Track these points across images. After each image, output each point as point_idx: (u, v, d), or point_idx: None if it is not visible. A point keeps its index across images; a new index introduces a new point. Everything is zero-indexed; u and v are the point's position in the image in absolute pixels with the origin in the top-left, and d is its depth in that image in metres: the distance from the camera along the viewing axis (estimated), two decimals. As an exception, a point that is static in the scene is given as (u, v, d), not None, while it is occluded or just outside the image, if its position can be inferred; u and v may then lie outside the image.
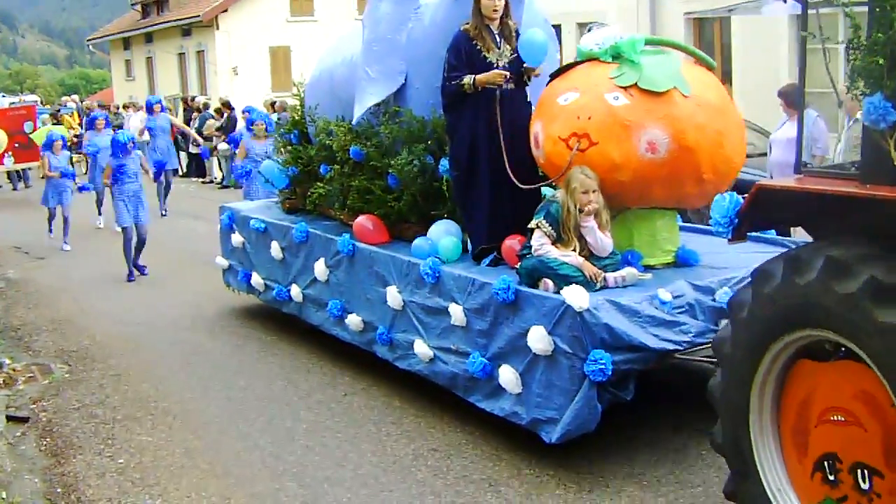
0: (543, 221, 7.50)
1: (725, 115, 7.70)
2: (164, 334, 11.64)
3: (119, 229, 15.16)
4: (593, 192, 7.31)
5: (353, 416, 8.56)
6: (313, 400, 9.00)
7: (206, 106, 31.15)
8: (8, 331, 12.32)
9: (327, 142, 9.95)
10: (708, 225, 5.94)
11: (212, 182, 28.63)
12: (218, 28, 42.10)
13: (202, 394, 9.39)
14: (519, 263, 7.49)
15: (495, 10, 8.11)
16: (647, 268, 7.70)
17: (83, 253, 17.59)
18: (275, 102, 26.64)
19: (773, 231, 8.25)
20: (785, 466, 5.31)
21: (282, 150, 11.63)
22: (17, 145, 24.97)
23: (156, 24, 47.47)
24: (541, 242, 7.42)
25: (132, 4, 53.56)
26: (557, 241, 7.42)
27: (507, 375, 7.29)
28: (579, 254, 7.35)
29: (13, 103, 30.63)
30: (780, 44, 19.79)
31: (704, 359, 7.33)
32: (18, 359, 10.93)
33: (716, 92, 7.78)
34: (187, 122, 29.94)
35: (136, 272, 14.87)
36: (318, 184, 10.24)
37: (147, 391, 9.54)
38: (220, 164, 27.98)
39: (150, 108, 22.67)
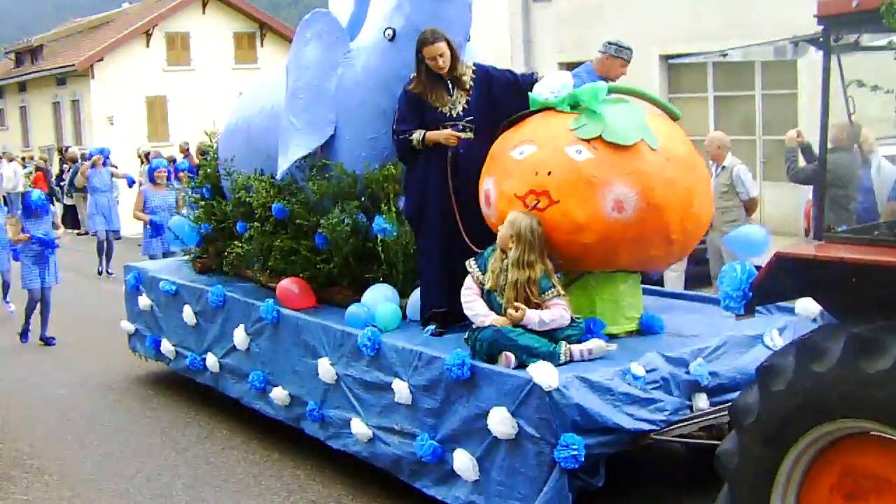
0: (473, 263, 6.91)
1: (694, 171, 7.08)
2: (38, 391, 11.29)
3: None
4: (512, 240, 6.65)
5: (231, 469, 8.42)
6: (191, 454, 8.85)
7: (84, 157, 30.07)
8: None
9: (246, 198, 9.11)
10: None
11: (87, 234, 27.36)
12: (93, 77, 41.88)
13: (78, 450, 9.14)
14: (470, 333, 6.74)
15: (441, 67, 7.37)
16: (610, 337, 7.01)
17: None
18: (148, 153, 25.79)
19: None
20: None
21: (182, 202, 10.73)
22: None
23: (29, 73, 47.00)
24: (466, 295, 6.84)
25: (5, 52, 53.20)
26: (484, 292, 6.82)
27: (462, 460, 6.52)
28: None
29: None
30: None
31: (678, 439, 6.62)
32: None
33: (684, 145, 7.14)
34: (61, 172, 29.29)
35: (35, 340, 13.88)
36: (236, 243, 9.37)
37: (22, 449, 9.27)
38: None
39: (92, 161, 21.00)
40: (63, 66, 43.01)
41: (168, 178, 15.24)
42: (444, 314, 7.47)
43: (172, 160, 22.94)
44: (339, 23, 8.58)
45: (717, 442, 6.68)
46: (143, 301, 10.83)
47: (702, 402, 6.63)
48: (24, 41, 51.22)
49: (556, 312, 6.60)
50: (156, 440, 9.29)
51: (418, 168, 7.53)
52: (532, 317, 6.54)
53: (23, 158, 35.90)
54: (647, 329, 7.30)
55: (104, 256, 20.18)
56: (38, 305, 13.74)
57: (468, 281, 6.88)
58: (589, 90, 7.03)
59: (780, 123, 16.86)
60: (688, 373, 6.61)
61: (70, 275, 14.76)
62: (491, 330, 6.52)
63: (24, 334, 13.88)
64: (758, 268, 4.91)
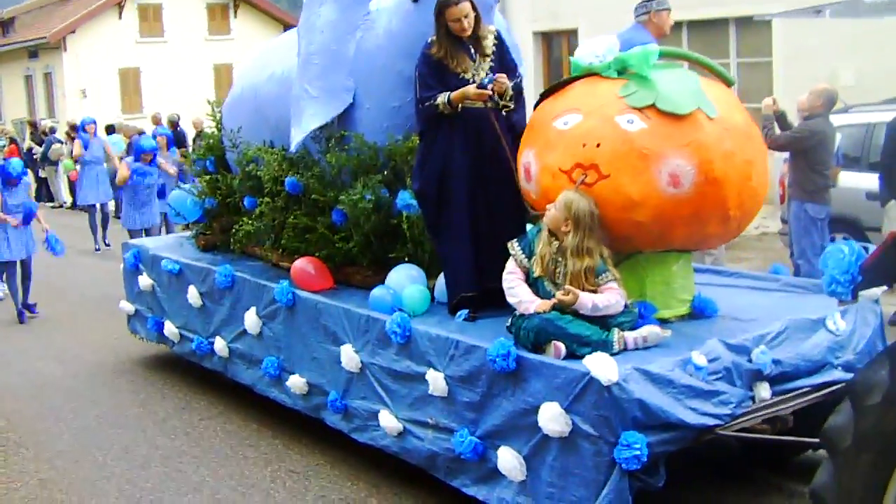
0: (516, 245, 6.33)
1: (752, 141, 6.49)
2: (14, 366, 11.24)
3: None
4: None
5: (209, 440, 8.45)
6: (168, 426, 8.87)
7: (53, 129, 29.92)
8: None
9: (256, 171, 8.50)
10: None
11: (62, 206, 27.93)
12: (66, 50, 41.33)
13: (54, 423, 9.13)
14: (514, 320, 6.17)
15: (463, 30, 6.79)
16: (662, 321, 6.45)
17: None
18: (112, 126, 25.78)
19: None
20: None
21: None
22: None
23: (1, 46, 45.98)
24: (509, 280, 6.27)
25: None
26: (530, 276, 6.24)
27: (508, 459, 5.97)
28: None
29: None
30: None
31: (743, 434, 6.09)
32: None
33: (741, 114, 6.55)
34: (31, 146, 28.97)
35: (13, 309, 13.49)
36: (245, 219, 8.77)
37: None
38: (70, 186, 26.89)
39: (83, 131, 20.02)
40: (35, 39, 42.36)
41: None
42: (473, 298, 6.91)
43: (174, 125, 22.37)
44: (357, -19, 7.95)
45: (784, 438, 6.25)
46: (144, 280, 10.23)
47: (764, 392, 6.08)
48: (-6, 14, 50.45)
49: (612, 297, 6.04)
50: (133, 412, 9.28)
51: (439, 141, 6.93)
52: (585, 301, 5.97)
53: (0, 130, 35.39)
54: (699, 312, 6.74)
55: (100, 228, 19.71)
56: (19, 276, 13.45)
57: (511, 264, 6.30)
58: (639, 54, 6.43)
59: (756, 92, 16.39)
60: (749, 361, 6.05)
61: (43, 247, 14.30)
62: (538, 317, 5.95)
63: (21, 314, 13.46)
64: (865, 249, 4.36)
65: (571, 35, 21.82)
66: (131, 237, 14.15)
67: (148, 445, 8.36)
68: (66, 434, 8.80)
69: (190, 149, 17.70)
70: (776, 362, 6.13)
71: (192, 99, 38.13)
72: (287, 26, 44.16)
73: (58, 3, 46.47)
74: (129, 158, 14.92)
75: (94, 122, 20.39)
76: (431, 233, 7.16)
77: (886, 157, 9.96)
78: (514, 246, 6.32)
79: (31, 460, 8.25)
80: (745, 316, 6.68)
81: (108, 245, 19.58)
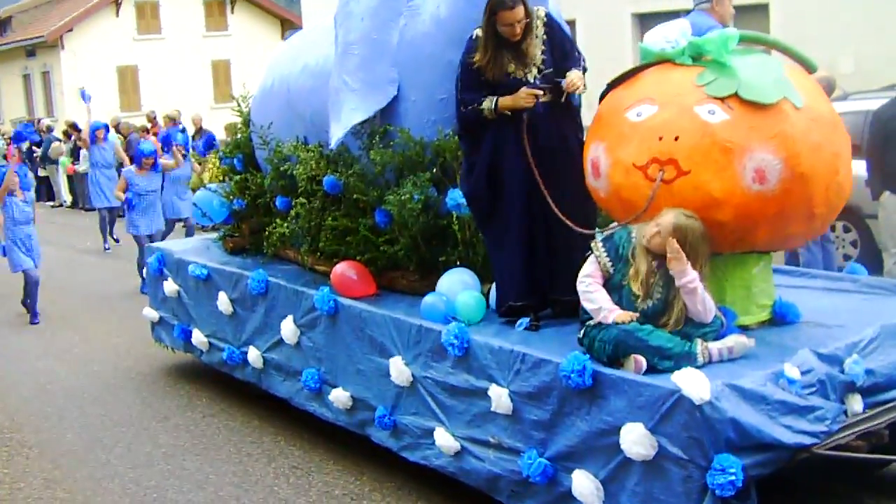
0: (601, 245, 5.75)
1: (838, 132, 5.95)
2: (16, 365, 11.25)
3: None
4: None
5: (212, 437, 8.45)
6: (171, 423, 8.87)
7: (50, 129, 29.83)
8: None
9: (291, 170, 7.98)
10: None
11: (61, 206, 27.84)
12: (63, 48, 41.80)
13: (58, 423, 9.13)
14: (587, 330, 5.65)
15: (515, 35, 6.24)
16: (743, 329, 5.93)
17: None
18: (119, 123, 25.83)
19: None
20: None
21: (218, 175, 9.61)
22: None
23: None
24: (587, 283, 5.69)
25: None
26: (610, 280, 5.68)
27: (583, 483, 5.45)
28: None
29: None
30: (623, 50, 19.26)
31: (840, 453, 5.55)
32: None
33: (825, 103, 6.04)
34: (37, 145, 28.64)
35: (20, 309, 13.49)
36: (278, 221, 8.24)
37: (2, 422, 9.26)
38: (70, 186, 27.15)
39: (93, 137, 19.38)
40: (32, 38, 42.67)
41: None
42: (524, 307, 6.40)
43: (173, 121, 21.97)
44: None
45: (886, 457, 5.75)
46: (169, 286, 9.71)
47: (856, 405, 5.57)
48: (-8, 13, 50.40)
49: (709, 298, 5.53)
50: (135, 410, 9.28)
51: (486, 141, 6.39)
52: (691, 278, 5.44)
53: None
54: (780, 318, 6.21)
55: (107, 228, 19.32)
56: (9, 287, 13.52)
57: (591, 266, 5.73)
58: (717, 38, 5.89)
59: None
60: (842, 372, 5.54)
61: (45, 247, 14.33)
62: (616, 328, 5.43)
63: (34, 316, 13.28)
64: None
65: (570, 25, 21.30)
66: (138, 243, 13.99)
67: (151, 443, 8.38)
68: (69, 433, 8.81)
69: (189, 147, 17.17)
70: (869, 372, 5.63)
71: (190, 96, 38.18)
72: (284, 21, 44.30)
73: (55, 1, 46.93)
74: (128, 168, 14.42)
75: (105, 127, 19.83)
76: (484, 237, 6.65)
77: (873, 147, 9.43)
78: (598, 246, 5.74)
79: (36, 459, 8.28)
80: (831, 321, 6.15)
81: (116, 241, 19.34)
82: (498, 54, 6.27)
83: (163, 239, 13.79)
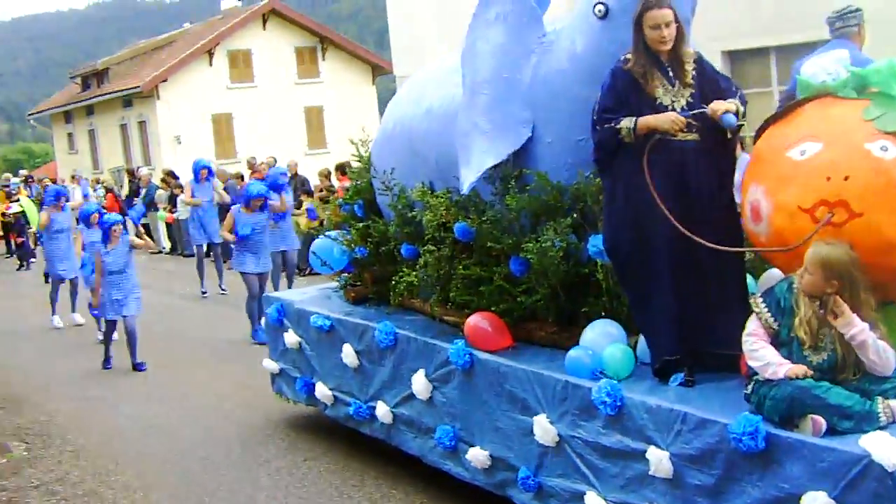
0: (760, 302, 5.33)
1: None
2: (117, 409, 11.37)
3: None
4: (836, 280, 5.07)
5: (314, 480, 8.43)
6: (273, 466, 8.85)
7: (150, 182, 29.85)
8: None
9: (424, 217, 7.65)
10: None
11: (160, 252, 27.95)
12: (159, 98, 42.55)
13: (160, 466, 9.22)
14: (756, 386, 5.21)
15: (663, 40, 5.82)
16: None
17: (37, 332, 17.08)
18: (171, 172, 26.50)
19: None
20: None
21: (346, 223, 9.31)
22: None
23: (96, 97, 47.39)
24: (752, 341, 5.26)
25: (71, 77, 53.79)
26: (777, 337, 5.23)
27: (757, 556, 5.02)
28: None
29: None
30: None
31: None
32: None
33: None
34: (135, 193, 28.96)
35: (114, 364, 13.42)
36: (406, 269, 7.93)
37: (106, 466, 9.36)
38: (168, 232, 27.41)
39: (196, 176, 19.14)
40: (129, 88, 43.37)
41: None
42: (679, 361, 5.96)
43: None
44: (530, -1, 7.09)
45: None
46: (290, 338, 9.41)
47: None
48: (89, 65, 51.46)
49: (889, 348, 5.07)
50: (236, 454, 9.31)
51: (625, 176, 5.93)
52: (860, 330, 5.00)
53: (96, 180, 35.75)
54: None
55: (217, 270, 19.24)
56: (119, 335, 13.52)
57: (753, 324, 5.31)
58: (882, 68, 5.46)
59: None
60: None
61: (146, 292, 14.29)
62: (790, 385, 4.99)
63: (106, 361, 13.45)
64: None
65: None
66: (247, 283, 13.94)
67: (252, 486, 8.40)
68: (171, 476, 8.89)
69: (289, 192, 16.89)
70: None
71: (283, 142, 38.54)
72: (374, 67, 44.60)
73: (149, 52, 48.20)
74: (236, 207, 14.28)
75: (209, 168, 19.60)
76: (626, 289, 6.22)
77: None
78: (758, 303, 5.34)
79: (141, 502, 8.35)
80: None
81: (223, 291, 19.00)
82: (649, 64, 5.88)
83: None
